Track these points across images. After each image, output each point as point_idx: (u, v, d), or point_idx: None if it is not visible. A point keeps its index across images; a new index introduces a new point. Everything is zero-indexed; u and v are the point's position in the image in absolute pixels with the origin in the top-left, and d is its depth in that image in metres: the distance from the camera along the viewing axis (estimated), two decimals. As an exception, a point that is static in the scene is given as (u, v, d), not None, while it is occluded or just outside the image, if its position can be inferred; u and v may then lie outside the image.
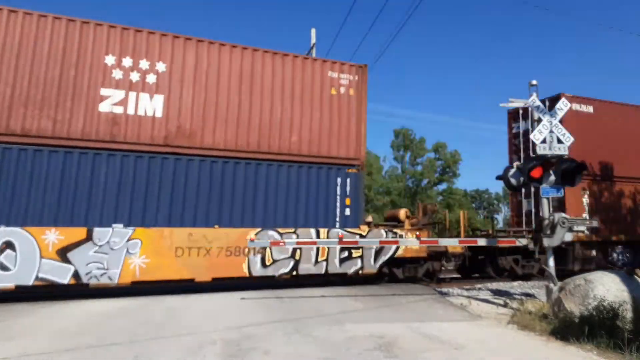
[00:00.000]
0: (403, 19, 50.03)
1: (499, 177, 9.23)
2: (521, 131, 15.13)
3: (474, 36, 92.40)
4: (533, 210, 14.41)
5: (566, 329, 6.06)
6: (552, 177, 8.38)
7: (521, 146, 15.04)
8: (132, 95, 9.61)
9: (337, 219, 10.85)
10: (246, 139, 10.37)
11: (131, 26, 9.82)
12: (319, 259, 10.45)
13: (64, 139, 8.97)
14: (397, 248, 11.17)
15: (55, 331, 6.18)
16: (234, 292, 9.59)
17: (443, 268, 13.05)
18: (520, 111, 15.15)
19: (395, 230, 11.50)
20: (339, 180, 10.97)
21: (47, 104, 8.98)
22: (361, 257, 10.85)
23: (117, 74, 9.56)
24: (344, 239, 10.07)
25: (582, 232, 13.00)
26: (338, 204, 10.88)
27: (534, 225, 13.33)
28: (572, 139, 8.54)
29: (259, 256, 10.02)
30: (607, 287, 6.52)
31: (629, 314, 6.05)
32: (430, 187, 45.85)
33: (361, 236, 10.87)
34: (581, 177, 8.57)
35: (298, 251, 10.28)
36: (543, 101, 14.18)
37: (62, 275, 8.51)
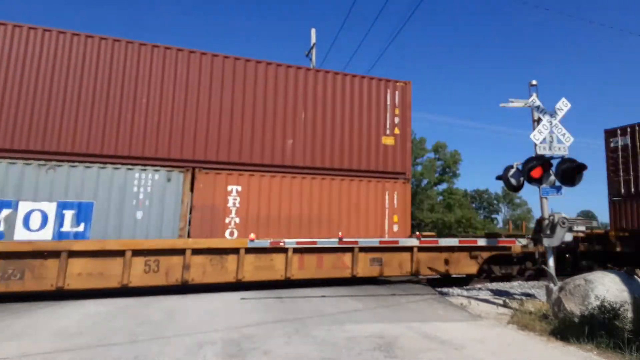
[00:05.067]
0: (403, 20, 49.99)
1: (498, 177, 9.23)
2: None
3: (474, 36, 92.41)
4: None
5: (566, 329, 6.06)
6: (552, 177, 8.38)
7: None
8: None
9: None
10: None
11: None
12: None
13: None
14: None
15: (55, 331, 6.18)
16: (234, 292, 9.58)
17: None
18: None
19: None
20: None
21: None
22: None
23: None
24: (344, 240, 10.08)
25: (582, 232, 12.98)
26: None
27: None
28: (572, 138, 8.54)
29: None
30: (607, 287, 6.52)
31: (629, 314, 6.04)
32: (430, 187, 45.85)
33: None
34: (582, 177, 8.57)
35: None
36: None
37: None
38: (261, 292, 9.69)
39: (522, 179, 8.65)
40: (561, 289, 7.15)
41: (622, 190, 15.84)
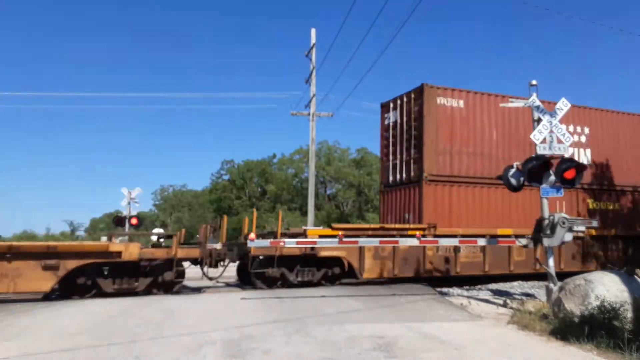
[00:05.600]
0: (403, 19, 49.95)
1: (498, 177, 9.22)
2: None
3: (475, 36, 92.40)
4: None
5: (566, 329, 6.05)
6: (552, 177, 8.36)
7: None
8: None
9: None
10: None
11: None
12: None
13: None
14: None
15: (56, 331, 6.18)
16: (234, 292, 9.59)
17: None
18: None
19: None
20: None
21: None
22: None
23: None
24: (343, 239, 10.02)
25: (582, 232, 12.84)
26: None
27: None
28: (572, 138, 8.53)
29: None
30: (607, 287, 6.51)
31: (629, 314, 6.04)
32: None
33: None
34: (582, 177, 8.55)
35: None
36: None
37: None
38: (261, 292, 9.70)
39: (522, 178, 8.64)
40: (561, 289, 7.14)
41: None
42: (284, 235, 10.67)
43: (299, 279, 10.73)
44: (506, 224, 12.13)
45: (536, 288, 10.80)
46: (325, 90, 62.96)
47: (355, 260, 10.99)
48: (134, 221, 17.91)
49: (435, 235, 11.01)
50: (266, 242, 9.34)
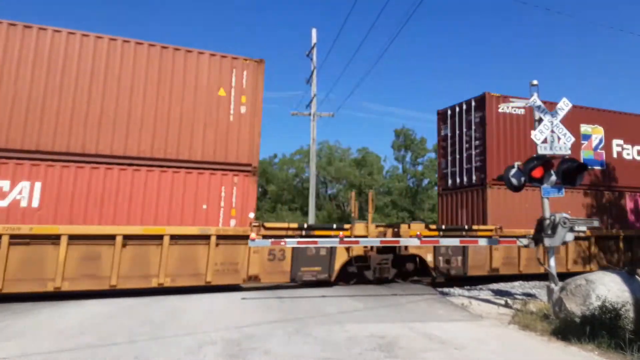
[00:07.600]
0: (404, 20, 50.02)
1: (499, 177, 9.20)
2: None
3: (475, 36, 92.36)
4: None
5: (567, 329, 6.05)
6: (553, 177, 8.35)
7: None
8: None
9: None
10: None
11: None
12: None
13: None
14: None
15: (56, 331, 6.17)
16: (235, 292, 9.58)
17: None
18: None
19: None
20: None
21: None
22: None
23: None
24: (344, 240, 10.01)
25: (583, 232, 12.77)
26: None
27: None
28: (572, 138, 8.52)
29: None
30: (608, 287, 6.50)
31: (630, 314, 6.03)
32: (432, 187, 45.83)
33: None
34: (583, 176, 8.53)
35: None
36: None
37: None
38: (262, 292, 9.69)
39: (523, 178, 8.62)
40: (562, 289, 7.13)
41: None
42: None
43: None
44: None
45: (537, 288, 10.80)
46: (326, 90, 63.01)
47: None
48: None
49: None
50: (267, 242, 9.28)
